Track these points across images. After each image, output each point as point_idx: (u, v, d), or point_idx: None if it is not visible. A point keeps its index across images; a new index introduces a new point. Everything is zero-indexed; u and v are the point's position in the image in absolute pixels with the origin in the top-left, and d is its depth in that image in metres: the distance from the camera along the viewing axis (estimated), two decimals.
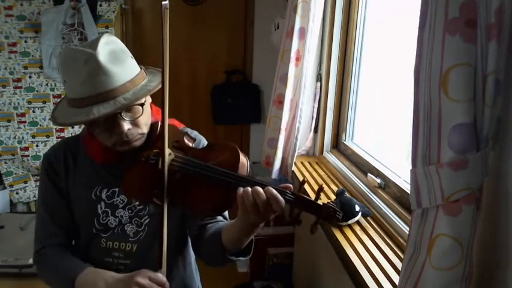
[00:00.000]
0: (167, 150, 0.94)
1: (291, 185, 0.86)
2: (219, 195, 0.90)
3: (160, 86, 0.96)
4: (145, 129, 1.02)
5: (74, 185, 1.11)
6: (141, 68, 1.02)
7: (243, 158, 0.92)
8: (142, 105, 0.99)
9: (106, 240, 1.11)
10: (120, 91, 0.93)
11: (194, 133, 1.16)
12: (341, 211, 0.86)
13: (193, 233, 1.12)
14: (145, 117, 1.02)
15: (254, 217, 0.84)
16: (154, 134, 1.05)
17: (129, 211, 1.10)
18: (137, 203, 1.09)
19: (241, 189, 0.84)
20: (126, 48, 1.01)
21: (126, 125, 0.96)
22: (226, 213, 1.16)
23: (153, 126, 1.06)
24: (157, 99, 0.96)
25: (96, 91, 0.91)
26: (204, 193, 0.92)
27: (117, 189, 1.10)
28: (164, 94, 0.90)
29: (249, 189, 0.83)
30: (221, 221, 1.13)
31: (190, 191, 0.93)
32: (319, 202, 0.86)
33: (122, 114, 0.95)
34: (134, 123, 0.98)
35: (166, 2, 0.87)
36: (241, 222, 0.90)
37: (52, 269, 1.10)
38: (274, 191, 0.82)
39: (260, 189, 0.82)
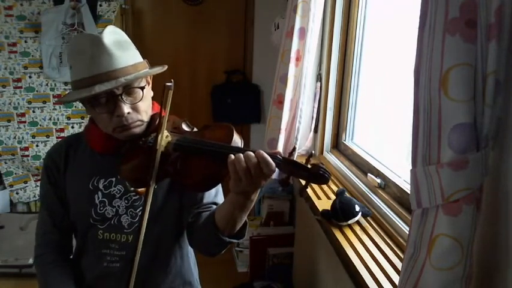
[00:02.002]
0: (165, 133, 0.98)
1: (280, 151, 0.87)
2: (211, 167, 0.92)
3: (163, 70, 1.03)
4: (145, 117, 1.05)
5: (72, 175, 1.14)
6: (143, 60, 1.05)
7: (236, 135, 0.94)
8: (142, 89, 1.02)
9: (103, 231, 1.12)
10: (122, 73, 0.97)
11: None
12: (329, 172, 0.86)
13: (188, 220, 1.12)
14: (146, 105, 1.05)
15: (246, 183, 0.84)
16: (154, 124, 1.07)
17: (126, 201, 1.11)
18: (132, 188, 1.10)
19: (232, 156, 0.84)
20: (130, 40, 1.04)
21: (127, 108, 0.99)
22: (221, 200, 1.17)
23: (153, 117, 1.08)
24: (158, 96, 0.99)
25: (99, 71, 0.95)
26: (196, 166, 0.94)
27: (114, 179, 1.11)
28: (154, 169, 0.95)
29: (241, 154, 0.84)
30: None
31: (184, 166, 0.96)
32: (308, 166, 0.86)
33: (123, 96, 0.98)
34: (134, 107, 1.01)
35: (171, 84, 0.92)
36: (233, 193, 0.90)
37: (43, 283, 1.13)
38: (265, 154, 0.83)
39: (251, 153, 0.84)
